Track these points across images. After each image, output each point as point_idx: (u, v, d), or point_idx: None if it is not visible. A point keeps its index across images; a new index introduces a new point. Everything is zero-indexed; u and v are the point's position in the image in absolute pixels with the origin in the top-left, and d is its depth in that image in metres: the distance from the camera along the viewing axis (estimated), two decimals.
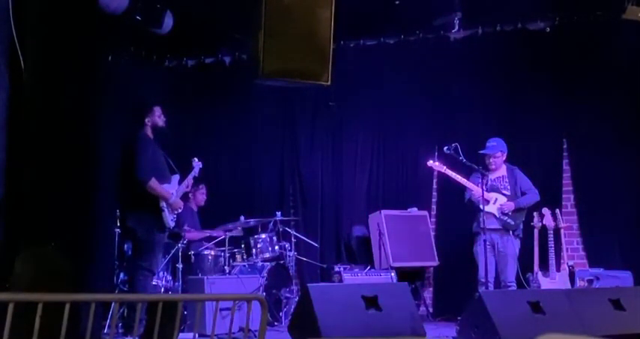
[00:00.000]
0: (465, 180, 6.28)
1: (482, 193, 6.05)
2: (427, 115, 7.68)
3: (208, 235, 6.73)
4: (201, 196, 7.20)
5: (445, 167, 6.37)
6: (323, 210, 7.83)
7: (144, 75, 7.33)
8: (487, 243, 6.01)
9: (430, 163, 6.58)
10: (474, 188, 6.21)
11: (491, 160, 6.34)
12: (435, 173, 7.54)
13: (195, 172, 6.01)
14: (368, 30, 7.47)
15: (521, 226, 6.27)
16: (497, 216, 6.17)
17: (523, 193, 6.33)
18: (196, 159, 6.07)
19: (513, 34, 7.20)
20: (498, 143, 6.36)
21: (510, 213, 6.20)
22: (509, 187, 6.30)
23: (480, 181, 6.14)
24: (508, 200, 6.22)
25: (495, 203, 6.20)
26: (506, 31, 7.22)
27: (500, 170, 6.38)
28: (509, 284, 6.12)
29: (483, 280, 6.00)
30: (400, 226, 7.09)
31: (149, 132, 5.58)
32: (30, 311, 2.10)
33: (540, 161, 7.17)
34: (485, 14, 7.02)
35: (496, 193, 6.24)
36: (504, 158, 6.40)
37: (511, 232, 6.18)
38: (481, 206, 6.06)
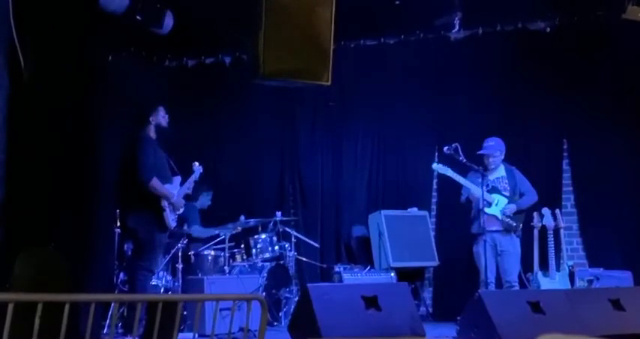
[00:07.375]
0: (469, 182, 6.24)
1: (483, 194, 6.04)
2: (427, 115, 7.67)
3: (217, 234, 6.75)
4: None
5: (450, 170, 6.32)
6: (323, 210, 7.83)
7: (144, 75, 7.31)
8: (488, 243, 6.00)
9: (435, 166, 6.45)
10: (475, 189, 6.19)
11: (490, 160, 6.31)
12: (436, 173, 7.53)
13: (196, 176, 5.99)
14: (368, 30, 7.46)
15: (521, 226, 6.26)
16: (500, 218, 6.16)
17: (522, 194, 6.30)
18: (197, 163, 6.03)
19: (513, 34, 7.20)
20: (496, 143, 6.33)
21: (512, 214, 6.19)
22: (508, 188, 6.28)
23: (481, 181, 6.13)
24: (509, 202, 6.20)
25: (497, 205, 6.18)
26: (506, 31, 7.22)
27: (498, 170, 6.35)
28: (512, 284, 6.10)
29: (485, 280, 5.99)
30: (400, 226, 7.07)
31: (151, 132, 5.57)
32: (30, 311, 2.10)
33: (540, 161, 7.16)
34: (486, 14, 7.02)
35: (497, 195, 6.22)
36: (502, 157, 6.38)
37: (512, 232, 6.17)
38: (481, 207, 6.04)
